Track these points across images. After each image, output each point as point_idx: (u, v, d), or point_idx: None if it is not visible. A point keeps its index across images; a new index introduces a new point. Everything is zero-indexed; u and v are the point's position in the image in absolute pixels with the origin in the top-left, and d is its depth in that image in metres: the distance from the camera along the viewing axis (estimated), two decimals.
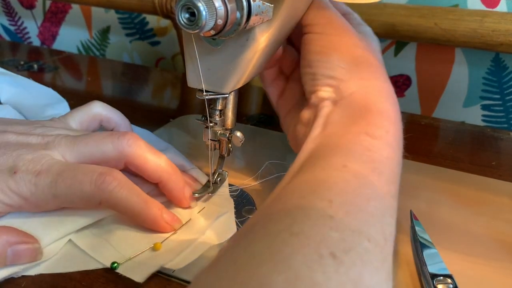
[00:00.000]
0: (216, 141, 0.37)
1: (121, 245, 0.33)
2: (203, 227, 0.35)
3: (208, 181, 0.38)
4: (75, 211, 0.34)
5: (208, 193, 0.38)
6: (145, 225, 0.34)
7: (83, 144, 0.34)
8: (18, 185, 0.31)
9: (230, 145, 0.38)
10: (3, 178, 0.31)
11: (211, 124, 0.36)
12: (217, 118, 0.36)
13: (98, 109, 0.40)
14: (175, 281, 0.31)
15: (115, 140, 0.34)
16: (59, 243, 0.33)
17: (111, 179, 0.32)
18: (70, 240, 0.33)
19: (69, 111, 0.40)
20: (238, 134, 0.37)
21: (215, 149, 0.38)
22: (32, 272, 0.30)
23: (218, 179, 0.39)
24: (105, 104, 0.41)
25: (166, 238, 0.33)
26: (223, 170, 0.39)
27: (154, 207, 0.33)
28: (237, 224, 0.36)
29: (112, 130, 0.41)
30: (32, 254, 0.30)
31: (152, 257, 0.32)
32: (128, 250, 0.32)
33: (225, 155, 0.38)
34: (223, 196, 0.39)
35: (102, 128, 0.41)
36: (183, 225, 0.35)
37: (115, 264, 0.31)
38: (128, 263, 0.31)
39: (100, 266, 0.31)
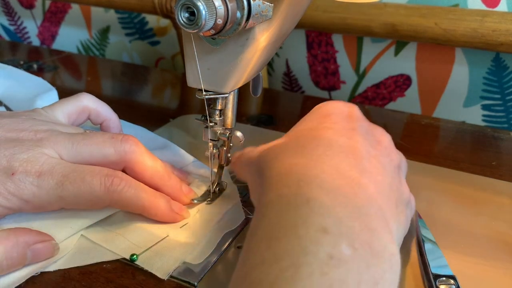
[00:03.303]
0: (216, 140, 0.37)
1: (134, 237, 0.33)
2: (214, 217, 0.36)
3: (208, 190, 0.38)
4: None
5: (206, 203, 0.38)
6: (156, 218, 0.34)
7: (83, 145, 0.33)
8: (18, 187, 0.30)
9: (229, 155, 0.38)
10: (0, 180, 0.30)
11: (211, 124, 0.36)
12: (217, 118, 0.36)
13: (87, 102, 0.39)
14: (174, 281, 0.31)
15: (117, 145, 0.34)
16: (72, 239, 0.33)
17: (119, 180, 0.32)
18: (82, 235, 0.34)
19: (56, 102, 0.39)
20: (238, 134, 0.37)
21: (214, 158, 0.38)
22: (51, 268, 0.31)
23: (217, 189, 0.39)
24: (94, 97, 0.40)
25: (179, 228, 0.34)
26: (222, 181, 0.40)
27: (163, 200, 0.34)
28: (245, 212, 0.37)
29: (101, 124, 0.41)
30: (49, 251, 0.31)
31: (168, 248, 0.32)
32: (142, 241, 0.33)
33: (224, 165, 0.39)
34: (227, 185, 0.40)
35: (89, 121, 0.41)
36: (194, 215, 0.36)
37: (134, 256, 0.31)
38: (146, 254, 0.32)
39: (116, 257, 0.32)
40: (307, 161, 0.26)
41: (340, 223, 0.22)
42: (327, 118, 0.30)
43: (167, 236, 0.33)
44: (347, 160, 0.27)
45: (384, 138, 0.31)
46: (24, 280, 0.29)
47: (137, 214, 0.34)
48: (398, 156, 0.31)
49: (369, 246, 0.21)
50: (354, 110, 0.32)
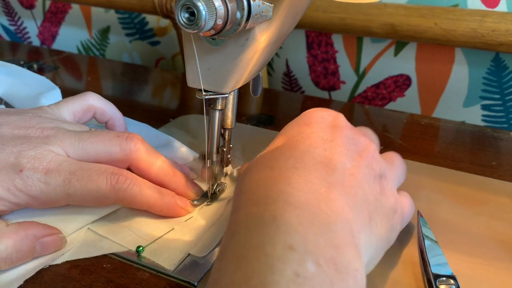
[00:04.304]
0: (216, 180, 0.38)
1: (140, 230, 0.34)
2: (218, 210, 0.37)
3: (207, 191, 0.39)
4: None
5: (206, 203, 0.38)
6: (162, 214, 0.35)
7: (89, 142, 0.33)
8: (26, 184, 0.30)
9: (229, 156, 0.38)
10: (8, 176, 0.30)
11: (208, 165, 0.37)
12: (215, 158, 0.37)
13: (93, 101, 0.40)
14: (174, 281, 0.31)
15: (122, 143, 0.34)
16: (79, 232, 0.34)
17: (124, 179, 0.32)
18: (89, 228, 0.34)
19: (62, 100, 0.39)
20: (235, 174, 0.38)
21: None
22: (59, 260, 0.32)
23: (217, 189, 0.39)
24: (99, 96, 0.41)
25: (184, 221, 0.35)
26: (222, 182, 0.40)
27: (168, 196, 0.35)
28: None
29: (106, 123, 0.41)
30: (57, 243, 0.32)
31: (174, 240, 0.33)
32: (148, 234, 0.33)
33: (224, 166, 0.39)
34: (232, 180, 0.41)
35: (95, 120, 0.41)
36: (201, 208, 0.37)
37: (140, 248, 0.32)
38: (152, 246, 0.32)
39: (123, 249, 0.32)
40: (275, 174, 0.26)
41: (306, 240, 0.22)
42: (307, 127, 0.30)
43: (172, 229, 0.34)
44: (318, 173, 0.26)
45: (369, 147, 0.30)
46: (34, 272, 0.30)
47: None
48: (380, 166, 0.30)
49: (333, 262, 0.22)
50: (338, 118, 0.31)
